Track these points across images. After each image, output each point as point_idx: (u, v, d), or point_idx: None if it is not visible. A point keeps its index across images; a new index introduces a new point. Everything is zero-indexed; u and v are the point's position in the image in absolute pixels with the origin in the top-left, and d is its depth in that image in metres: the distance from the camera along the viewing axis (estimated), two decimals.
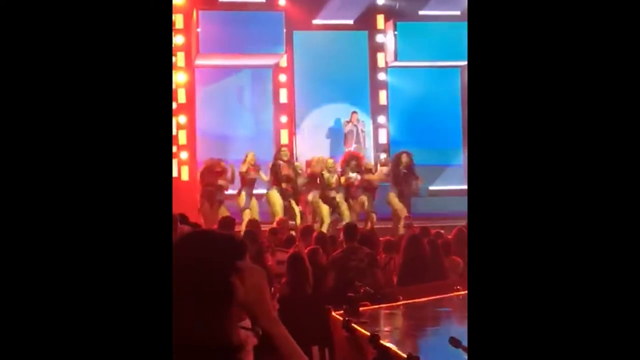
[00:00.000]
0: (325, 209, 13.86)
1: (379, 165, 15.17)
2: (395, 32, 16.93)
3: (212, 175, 13.64)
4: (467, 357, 3.35)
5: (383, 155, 16.04)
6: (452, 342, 3.91)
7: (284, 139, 16.64)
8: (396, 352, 4.65)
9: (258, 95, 17.18)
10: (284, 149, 14.55)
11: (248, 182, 13.85)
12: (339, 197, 14.06)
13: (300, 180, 13.93)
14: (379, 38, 17.36)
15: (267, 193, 13.80)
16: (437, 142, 16.97)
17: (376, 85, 17.42)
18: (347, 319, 5.65)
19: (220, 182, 13.65)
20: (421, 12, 17.30)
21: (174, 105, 15.23)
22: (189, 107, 16.11)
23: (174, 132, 15.33)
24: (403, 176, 14.24)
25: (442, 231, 10.26)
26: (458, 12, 16.34)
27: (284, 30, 16.12)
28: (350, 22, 17.41)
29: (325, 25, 17.14)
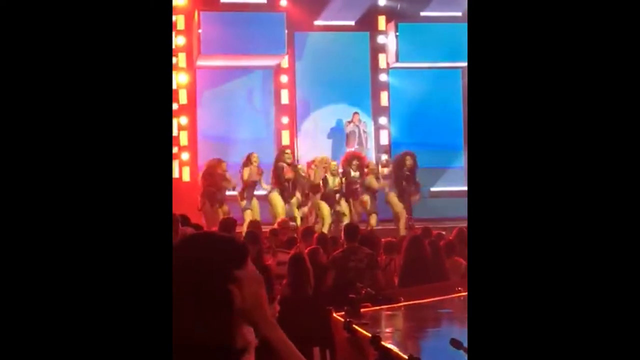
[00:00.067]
0: (326, 209, 13.86)
1: (379, 167, 15.16)
2: (397, 33, 16.92)
3: (214, 178, 13.63)
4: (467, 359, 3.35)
5: (384, 157, 16.03)
6: (453, 343, 3.91)
7: (285, 140, 16.63)
8: (397, 354, 4.65)
9: (259, 96, 17.17)
10: (287, 151, 14.47)
11: (250, 183, 13.85)
12: (342, 201, 14.09)
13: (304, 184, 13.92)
14: (381, 39, 17.34)
15: (268, 195, 13.81)
16: (439, 144, 16.95)
17: (377, 87, 17.40)
18: (348, 320, 5.65)
19: (224, 184, 13.67)
20: (423, 13, 17.30)
21: (176, 106, 15.23)
22: (191, 108, 16.10)
23: (175, 133, 15.31)
24: (405, 178, 14.25)
25: (444, 232, 10.25)
26: (459, 14, 16.32)
27: (286, 31, 16.12)
28: (352, 23, 17.39)
29: (327, 26, 17.13)
